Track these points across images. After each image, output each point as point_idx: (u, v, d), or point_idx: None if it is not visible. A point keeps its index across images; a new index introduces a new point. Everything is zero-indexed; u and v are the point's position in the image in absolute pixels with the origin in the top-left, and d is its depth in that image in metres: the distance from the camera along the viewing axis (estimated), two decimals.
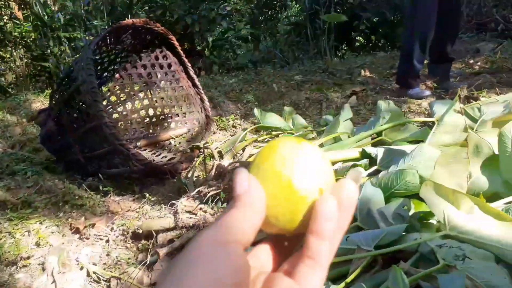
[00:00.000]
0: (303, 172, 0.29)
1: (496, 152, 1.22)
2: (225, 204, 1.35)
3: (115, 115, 2.30)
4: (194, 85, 2.32)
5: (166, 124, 2.38)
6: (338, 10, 5.52)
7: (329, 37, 4.64)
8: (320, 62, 4.11)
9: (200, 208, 1.36)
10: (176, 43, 2.23)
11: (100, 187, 1.79)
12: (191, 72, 2.30)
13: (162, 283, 0.25)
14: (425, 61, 2.67)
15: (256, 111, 1.89)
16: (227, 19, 4.81)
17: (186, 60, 2.28)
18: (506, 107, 1.48)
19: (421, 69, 2.56)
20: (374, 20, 5.61)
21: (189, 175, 1.73)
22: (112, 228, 1.52)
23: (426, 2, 2.33)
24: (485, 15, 4.53)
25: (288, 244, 0.33)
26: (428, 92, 2.50)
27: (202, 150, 1.90)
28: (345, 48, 5.81)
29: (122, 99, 2.35)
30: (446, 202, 0.97)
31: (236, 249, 0.26)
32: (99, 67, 2.22)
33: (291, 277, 0.29)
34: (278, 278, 0.29)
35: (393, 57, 3.90)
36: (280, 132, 1.91)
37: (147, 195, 1.69)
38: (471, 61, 3.26)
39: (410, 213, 1.07)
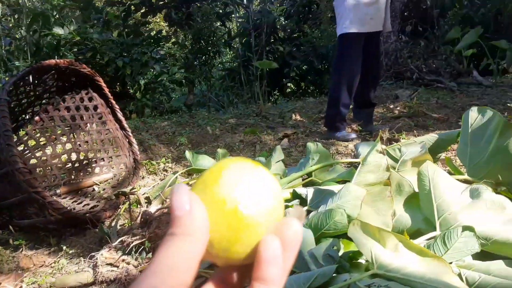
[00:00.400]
0: (250, 197, 0.26)
1: (416, 190, 1.27)
2: (150, 255, 1.25)
3: (33, 161, 2.12)
4: (122, 127, 2.23)
5: (90, 169, 2.23)
6: (270, 58, 5.78)
7: (261, 83, 4.80)
8: (253, 106, 4.19)
9: (123, 260, 1.25)
10: (103, 84, 2.15)
11: (10, 241, 1.60)
12: (119, 114, 2.21)
13: None
14: (350, 106, 2.83)
15: (188, 153, 1.83)
16: (161, 62, 4.80)
17: (113, 102, 2.19)
18: (423, 148, 1.58)
19: (347, 113, 2.71)
20: (304, 68, 5.94)
21: (113, 224, 1.61)
22: (21, 287, 1.34)
23: (351, 55, 2.52)
24: (401, 65, 4.98)
25: (236, 278, 0.29)
26: (353, 135, 2.63)
27: (128, 196, 1.78)
28: (277, 93, 6.03)
29: (42, 143, 2.18)
30: (373, 240, 0.98)
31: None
32: (16, 109, 2.06)
33: None
34: None
35: (321, 102, 4.10)
36: None
37: (65, 247, 1.53)
38: (391, 106, 3.52)
39: (340, 253, 1.06)
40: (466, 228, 1.05)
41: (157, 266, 0.23)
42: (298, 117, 3.41)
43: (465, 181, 1.47)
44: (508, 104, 3.02)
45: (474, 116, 1.67)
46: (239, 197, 0.26)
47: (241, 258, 0.27)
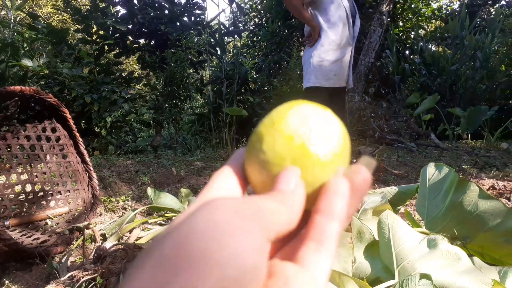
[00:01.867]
0: (318, 136, 0.26)
1: (377, 237, 1.29)
2: None
3: None
4: (84, 161, 2.16)
5: (44, 202, 2.11)
6: (240, 107, 5.89)
7: (230, 129, 4.85)
8: (221, 151, 4.20)
9: None
10: (68, 115, 2.10)
11: None
12: (82, 147, 2.15)
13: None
14: None
15: (149, 190, 1.78)
16: (130, 102, 4.78)
17: (77, 134, 2.14)
18: (384, 198, 1.62)
19: None
20: None
21: (63, 259, 1.51)
22: None
23: None
24: (364, 124, 5.21)
25: None
26: None
27: (82, 232, 1.69)
28: (246, 141, 6.10)
29: None
30: (334, 285, 0.97)
31: (260, 233, 0.21)
32: None
33: (294, 263, 0.24)
34: (279, 265, 0.24)
35: None
36: (174, 214, 1.82)
37: (7, 282, 1.41)
38: (354, 161, 3.63)
39: None
40: (423, 276, 1.06)
41: (244, 199, 0.22)
42: None
43: (423, 234, 1.50)
44: (463, 166, 3.19)
45: (431, 171, 1.75)
46: (307, 135, 0.26)
47: (308, 199, 0.26)
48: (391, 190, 1.90)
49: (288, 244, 0.27)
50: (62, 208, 2.08)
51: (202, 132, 5.35)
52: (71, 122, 2.15)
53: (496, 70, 7.05)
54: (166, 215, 1.84)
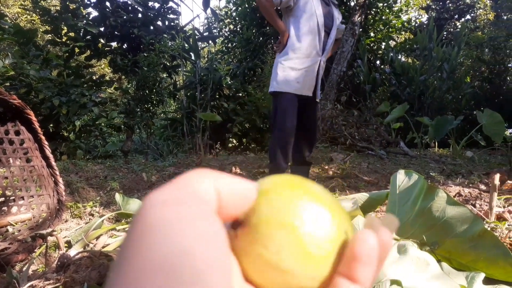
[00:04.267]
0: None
1: None
2: None
3: None
4: (49, 165, 2.07)
5: (6, 208, 2.01)
6: (214, 112, 5.86)
7: (204, 135, 4.81)
8: (194, 157, 4.15)
9: None
10: (33, 118, 2.01)
11: None
12: (47, 151, 2.06)
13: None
14: (289, 163, 2.90)
15: (117, 196, 1.73)
16: (100, 106, 4.66)
17: (42, 138, 2.05)
18: (355, 204, 1.64)
19: (285, 169, 2.77)
20: (246, 125, 6.09)
21: (24, 268, 1.43)
22: None
23: (279, 112, 2.63)
24: (336, 131, 5.28)
25: None
26: None
27: (45, 239, 1.62)
28: (219, 147, 6.06)
29: None
30: None
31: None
32: None
33: None
34: None
35: (261, 158, 4.17)
36: None
37: None
38: (326, 167, 3.67)
39: None
40: (394, 282, 1.07)
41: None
42: (238, 170, 3.42)
43: (393, 240, 1.52)
44: (431, 174, 3.28)
45: (401, 178, 1.78)
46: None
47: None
48: (362, 196, 1.92)
49: None
50: (24, 214, 1.99)
51: (174, 137, 5.27)
52: (36, 124, 2.07)
53: (462, 81, 7.33)
54: None
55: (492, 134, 4.53)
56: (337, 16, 2.82)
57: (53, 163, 2.08)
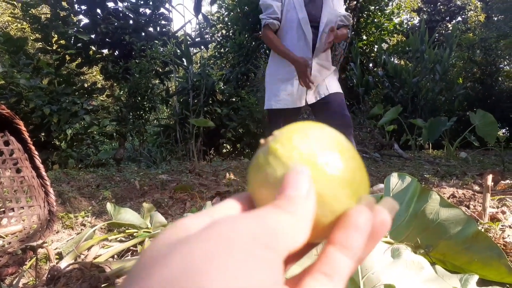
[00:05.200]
0: (335, 156, 0.26)
1: None
2: None
3: None
4: (39, 175, 2.04)
5: None
6: (208, 118, 5.84)
7: (197, 141, 4.79)
8: (187, 164, 4.13)
9: None
10: (22, 128, 1.99)
11: None
12: (37, 161, 2.04)
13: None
14: None
15: (109, 205, 1.70)
16: (92, 114, 4.63)
17: (32, 148, 2.02)
18: None
19: None
20: (240, 130, 6.08)
21: (14, 282, 1.40)
22: None
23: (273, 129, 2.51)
24: None
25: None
26: None
27: (36, 251, 1.59)
28: (213, 153, 6.04)
29: None
30: None
31: (278, 261, 0.20)
32: None
33: None
34: None
35: None
36: (136, 230, 1.74)
37: None
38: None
39: None
40: (388, 286, 1.06)
41: (255, 216, 0.21)
42: (232, 176, 3.40)
43: (387, 243, 1.51)
44: (425, 175, 3.28)
45: (394, 181, 1.77)
46: (320, 155, 0.25)
47: (325, 222, 0.25)
48: None
49: (293, 266, 0.26)
50: (15, 226, 1.96)
51: (167, 144, 5.25)
52: (26, 134, 2.04)
53: (454, 82, 7.38)
54: (127, 231, 1.76)
55: (485, 135, 4.55)
56: (331, 2, 2.41)
57: (44, 173, 2.05)
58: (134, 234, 1.74)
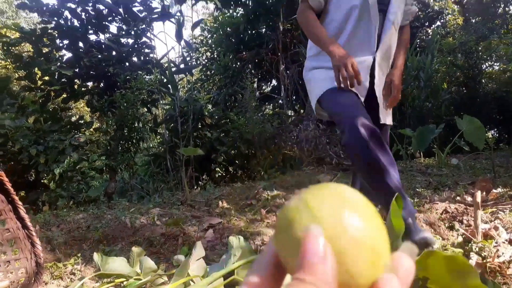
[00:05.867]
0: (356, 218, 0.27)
1: None
2: None
3: None
4: (25, 226, 1.99)
5: None
6: (198, 143, 5.83)
7: (188, 169, 4.75)
8: (179, 194, 4.08)
9: None
10: (5, 179, 1.95)
11: None
12: (22, 212, 1.99)
13: None
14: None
15: (96, 256, 1.66)
16: (80, 150, 4.58)
17: (15, 198, 1.98)
18: None
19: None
20: (232, 153, 6.06)
21: None
22: None
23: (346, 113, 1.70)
24: (321, 151, 5.28)
25: None
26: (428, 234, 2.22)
27: None
28: (206, 178, 5.99)
29: None
30: None
31: None
32: None
33: None
34: None
35: (248, 188, 4.12)
36: (125, 279, 1.70)
37: None
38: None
39: None
40: None
41: None
42: (225, 204, 3.36)
43: None
44: (417, 189, 3.27)
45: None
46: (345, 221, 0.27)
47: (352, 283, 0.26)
48: None
49: None
50: (1, 282, 1.90)
51: (159, 174, 5.20)
52: (9, 185, 1.99)
53: (439, 88, 7.45)
54: (116, 280, 1.72)
55: (473, 140, 4.58)
56: None
57: (29, 224, 2.01)
58: (124, 283, 1.69)
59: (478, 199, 1.73)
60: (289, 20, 7.73)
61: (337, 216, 0.27)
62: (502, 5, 14.02)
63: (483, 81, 8.08)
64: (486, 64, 8.68)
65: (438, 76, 7.86)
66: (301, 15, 1.75)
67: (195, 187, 5.12)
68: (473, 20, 13.51)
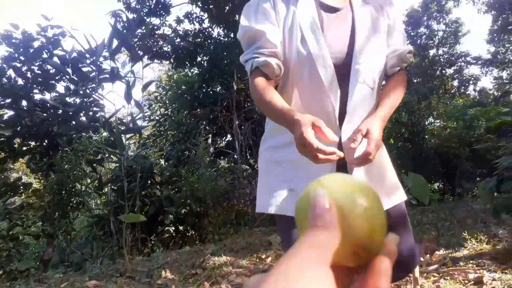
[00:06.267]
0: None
1: None
2: None
3: None
4: None
5: None
6: (146, 202, 5.60)
7: (133, 231, 4.50)
8: (121, 262, 3.81)
9: None
10: None
11: None
12: None
13: None
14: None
15: None
16: (16, 215, 4.23)
17: None
18: None
19: None
20: (183, 211, 5.86)
21: None
22: None
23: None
24: None
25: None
26: None
27: None
28: (154, 240, 5.70)
29: None
30: None
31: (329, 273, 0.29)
32: None
33: None
34: None
35: (196, 252, 3.94)
36: None
37: None
38: (263, 256, 3.52)
39: None
40: None
41: (311, 243, 0.30)
42: (168, 274, 3.15)
43: None
44: None
45: None
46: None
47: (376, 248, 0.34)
48: None
49: None
50: None
51: (102, 237, 4.88)
52: None
53: (386, 143, 7.77)
54: None
55: (419, 196, 4.74)
56: (382, 25, 1.24)
57: None
58: None
59: (417, 274, 1.72)
60: (243, 80, 7.93)
61: (342, 186, 0.35)
62: (440, 68, 15.32)
63: (426, 137, 8.53)
64: (428, 121, 9.24)
65: (385, 132, 8.23)
66: (251, 89, 1.25)
67: (143, 249, 4.84)
68: (415, 80, 14.58)
